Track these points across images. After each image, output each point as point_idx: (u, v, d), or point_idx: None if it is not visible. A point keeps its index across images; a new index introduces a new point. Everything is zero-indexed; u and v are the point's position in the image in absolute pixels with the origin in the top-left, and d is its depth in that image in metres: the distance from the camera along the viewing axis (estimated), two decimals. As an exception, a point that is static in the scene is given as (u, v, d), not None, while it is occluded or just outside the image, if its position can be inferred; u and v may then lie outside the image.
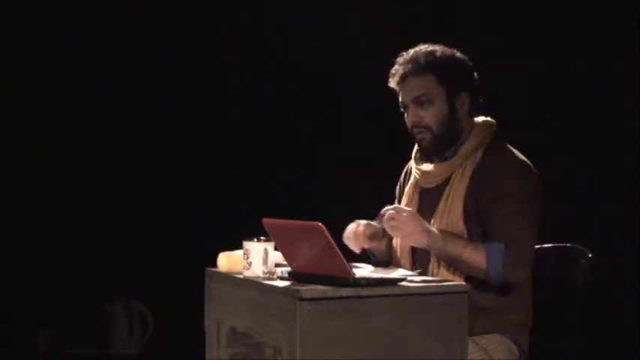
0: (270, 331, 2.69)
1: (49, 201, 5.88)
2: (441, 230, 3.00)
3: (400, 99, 3.15)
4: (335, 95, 5.58)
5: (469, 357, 2.87)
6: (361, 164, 5.34)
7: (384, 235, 3.18)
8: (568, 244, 3.21)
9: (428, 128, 3.10)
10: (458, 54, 3.15)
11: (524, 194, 3.02)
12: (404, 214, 2.93)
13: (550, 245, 3.20)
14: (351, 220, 3.29)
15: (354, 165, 5.48)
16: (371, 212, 3.42)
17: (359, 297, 2.60)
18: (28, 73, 5.79)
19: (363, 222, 3.14)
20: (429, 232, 2.95)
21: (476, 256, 2.96)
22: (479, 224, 3.03)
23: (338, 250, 2.64)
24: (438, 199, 3.10)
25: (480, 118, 3.18)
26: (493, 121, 3.18)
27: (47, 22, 5.79)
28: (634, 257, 4.50)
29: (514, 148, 3.14)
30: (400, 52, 3.20)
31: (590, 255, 3.14)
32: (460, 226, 3.03)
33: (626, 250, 4.49)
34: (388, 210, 2.96)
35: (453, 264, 2.99)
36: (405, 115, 3.16)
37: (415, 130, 3.13)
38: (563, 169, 4.55)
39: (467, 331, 2.74)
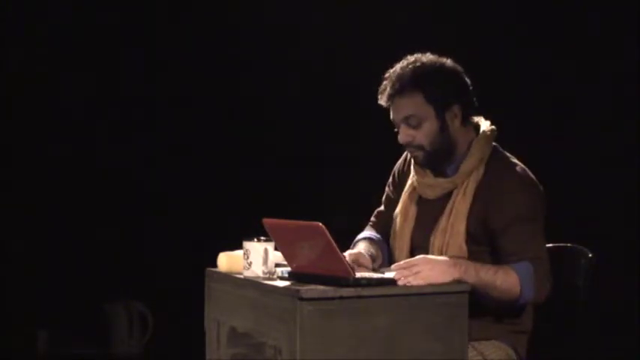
0: (270, 331, 2.69)
1: (49, 201, 5.88)
2: (465, 260, 2.91)
3: (391, 116, 3.10)
4: (335, 95, 5.58)
5: None
6: (361, 164, 5.34)
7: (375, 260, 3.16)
8: (568, 244, 3.21)
9: (420, 147, 3.06)
10: (447, 63, 3.08)
11: (536, 213, 2.99)
12: (421, 263, 2.79)
13: (550, 245, 3.20)
14: (351, 220, 3.30)
15: (354, 165, 5.48)
16: (370, 212, 3.42)
17: (359, 297, 2.60)
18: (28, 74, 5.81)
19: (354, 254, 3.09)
20: (456, 263, 2.84)
21: (509, 280, 2.87)
22: (482, 244, 3.00)
23: (338, 250, 2.64)
24: (438, 213, 3.07)
25: (478, 119, 3.15)
26: (493, 129, 3.12)
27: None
28: (634, 257, 4.50)
29: (513, 152, 3.12)
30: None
31: (590, 255, 3.14)
32: (462, 245, 2.99)
33: (626, 250, 4.49)
34: (399, 269, 2.80)
35: (486, 292, 2.87)
36: (398, 132, 3.12)
37: (408, 149, 3.11)
38: (563, 169, 4.55)
39: (467, 331, 2.74)
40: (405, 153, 3.31)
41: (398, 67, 3.08)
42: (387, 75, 3.09)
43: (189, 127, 6.01)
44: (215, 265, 3.00)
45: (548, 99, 4.77)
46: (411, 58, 3.09)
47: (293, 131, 5.76)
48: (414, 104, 3.03)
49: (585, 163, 4.62)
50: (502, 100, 4.50)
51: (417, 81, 3.02)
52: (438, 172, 3.12)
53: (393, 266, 2.85)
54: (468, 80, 3.10)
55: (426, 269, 2.78)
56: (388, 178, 3.38)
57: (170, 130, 6.04)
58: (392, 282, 2.72)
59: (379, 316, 2.61)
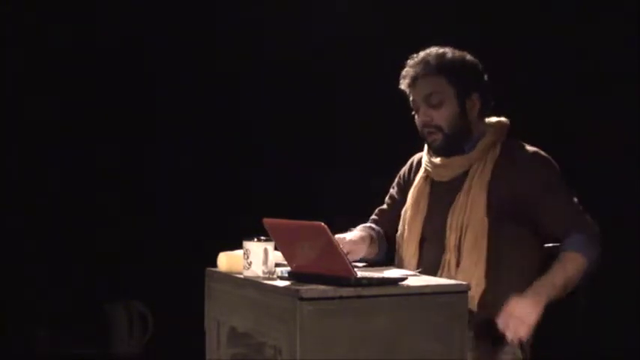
0: (270, 331, 2.69)
1: (49, 201, 5.88)
2: (536, 284, 2.96)
3: (411, 99, 3.15)
4: (334, 95, 5.58)
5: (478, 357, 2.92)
6: (361, 164, 5.35)
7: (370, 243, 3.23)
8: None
9: (439, 128, 3.10)
10: (468, 56, 3.15)
11: (562, 182, 3.09)
12: (512, 313, 2.89)
13: (550, 245, 3.20)
14: (351, 220, 3.30)
15: (353, 165, 5.48)
16: (370, 212, 3.42)
17: (359, 297, 2.60)
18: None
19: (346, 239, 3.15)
20: (537, 295, 2.91)
21: (577, 264, 2.98)
22: (502, 216, 3.03)
23: (340, 250, 2.64)
24: (454, 192, 3.10)
25: (494, 119, 3.20)
26: (507, 120, 3.20)
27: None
28: (634, 257, 4.51)
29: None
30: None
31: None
32: (484, 219, 3.03)
33: (627, 250, 4.49)
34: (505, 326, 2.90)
35: (567, 289, 2.98)
36: (416, 116, 3.16)
37: (426, 130, 3.13)
38: (562, 169, 4.54)
39: (467, 331, 2.74)
40: (410, 161, 3.33)
41: (421, 53, 3.15)
42: (409, 61, 3.15)
43: (189, 127, 6.01)
44: (215, 265, 3.00)
45: (548, 100, 4.77)
46: (433, 49, 3.16)
47: (293, 131, 5.76)
48: (437, 84, 3.09)
49: (585, 164, 4.62)
50: (501, 100, 4.50)
51: (441, 66, 3.09)
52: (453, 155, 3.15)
53: (501, 324, 2.88)
54: (486, 76, 3.16)
55: (519, 318, 2.86)
56: (390, 178, 3.39)
57: (170, 130, 6.04)
58: (392, 282, 2.72)
59: (379, 316, 2.61)
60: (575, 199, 3.08)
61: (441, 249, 3.09)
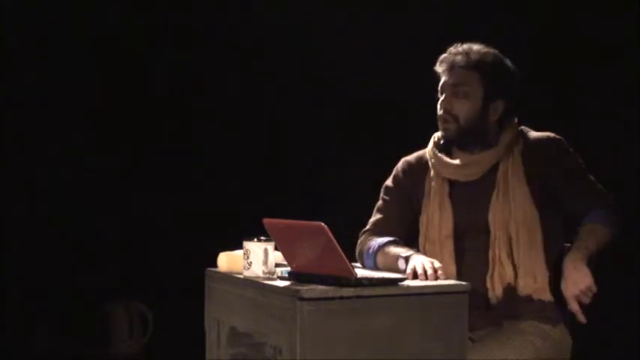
0: (270, 331, 2.69)
1: (50, 200, 5.88)
2: (575, 253, 3.03)
3: (441, 82, 3.20)
4: (335, 95, 5.58)
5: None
6: (361, 164, 5.35)
7: None
8: (568, 244, 3.21)
9: (455, 118, 3.15)
10: (508, 62, 3.21)
11: (578, 158, 3.19)
12: (577, 283, 2.97)
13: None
14: (351, 220, 3.30)
15: (354, 165, 5.48)
16: (370, 212, 3.42)
17: (359, 297, 2.60)
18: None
19: None
20: (582, 260, 2.99)
21: (602, 233, 3.07)
22: (548, 207, 3.11)
23: (340, 250, 2.64)
24: (485, 190, 3.12)
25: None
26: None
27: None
28: (634, 257, 4.50)
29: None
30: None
31: (590, 255, 3.14)
32: (531, 207, 3.09)
33: (626, 250, 4.49)
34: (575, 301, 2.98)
35: (598, 253, 3.08)
36: (439, 100, 3.20)
37: (443, 117, 3.17)
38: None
39: (467, 331, 2.74)
40: (400, 168, 3.30)
41: (465, 45, 3.21)
42: (451, 48, 3.21)
43: (188, 127, 6.01)
44: (215, 265, 3.00)
45: (548, 99, 4.77)
46: (477, 45, 3.21)
47: (293, 131, 5.76)
48: (469, 78, 3.15)
49: (584, 163, 4.62)
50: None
51: (478, 63, 3.16)
52: (462, 151, 3.19)
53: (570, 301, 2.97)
54: (520, 85, 3.22)
55: (578, 283, 2.96)
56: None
57: (170, 130, 6.04)
58: (392, 282, 2.73)
59: (379, 316, 2.62)
60: (591, 177, 3.18)
61: (482, 247, 3.10)
